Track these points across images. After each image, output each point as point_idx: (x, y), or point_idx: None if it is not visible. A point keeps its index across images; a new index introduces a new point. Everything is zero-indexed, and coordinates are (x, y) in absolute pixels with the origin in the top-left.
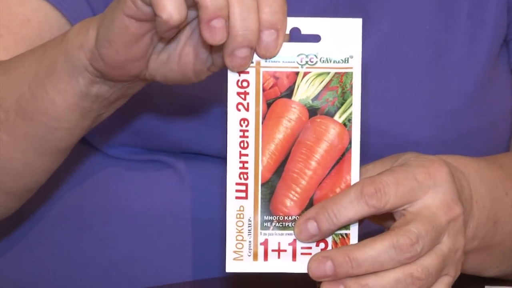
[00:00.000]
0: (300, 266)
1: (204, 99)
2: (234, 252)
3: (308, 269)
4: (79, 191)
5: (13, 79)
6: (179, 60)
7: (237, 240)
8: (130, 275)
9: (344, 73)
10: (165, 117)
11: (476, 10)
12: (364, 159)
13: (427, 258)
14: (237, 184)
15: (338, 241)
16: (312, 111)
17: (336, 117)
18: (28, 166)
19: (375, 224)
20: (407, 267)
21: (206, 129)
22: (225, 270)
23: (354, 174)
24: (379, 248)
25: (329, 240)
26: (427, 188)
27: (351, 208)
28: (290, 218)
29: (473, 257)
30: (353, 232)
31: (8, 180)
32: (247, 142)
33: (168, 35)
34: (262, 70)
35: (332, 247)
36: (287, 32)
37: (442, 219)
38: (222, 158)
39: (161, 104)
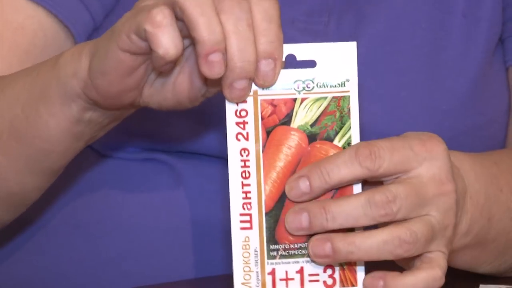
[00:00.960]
0: None
1: None
2: (242, 284)
3: (285, 221)
4: (75, 189)
5: (6, 100)
6: (174, 89)
7: (244, 271)
8: (127, 273)
9: (341, 97)
10: (161, 117)
11: (471, 8)
12: None
13: (416, 223)
14: (241, 214)
15: (345, 266)
16: (312, 137)
17: (335, 142)
18: (22, 185)
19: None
20: (395, 229)
21: (202, 128)
22: (223, 269)
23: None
24: (354, 203)
25: (337, 267)
26: (422, 159)
27: (344, 167)
28: (296, 246)
29: (467, 252)
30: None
31: (1, 198)
32: (248, 172)
33: (164, 69)
34: (260, 98)
35: (339, 273)
36: (283, 59)
37: (430, 190)
38: (218, 157)
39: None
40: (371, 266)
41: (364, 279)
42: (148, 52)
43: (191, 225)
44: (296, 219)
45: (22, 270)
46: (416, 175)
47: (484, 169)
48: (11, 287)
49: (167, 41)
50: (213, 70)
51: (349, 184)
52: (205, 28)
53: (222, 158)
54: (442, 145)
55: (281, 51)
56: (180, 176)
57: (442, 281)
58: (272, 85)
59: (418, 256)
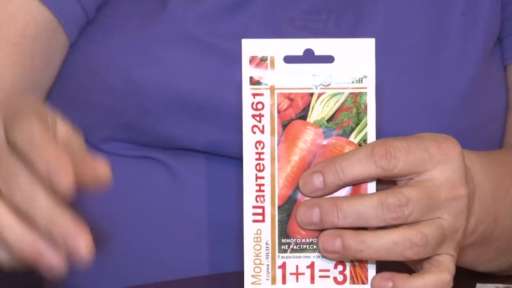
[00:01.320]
0: None
1: (197, 95)
2: (252, 276)
3: (296, 215)
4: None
5: None
6: None
7: (255, 264)
8: (120, 271)
9: (358, 93)
10: (158, 113)
11: (470, 7)
12: None
13: (427, 226)
14: (254, 207)
15: (356, 263)
16: (328, 132)
17: (351, 138)
18: None
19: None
20: (407, 231)
21: (198, 126)
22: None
23: (371, 191)
24: (367, 203)
25: (348, 263)
26: (437, 162)
27: (359, 165)
28: (308, 240)
29: (470, 251)
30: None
31: None
32: (263, 165)
33: None
34: (276, 91)
35: (350, 270)
36: (301, 53)
37: (443, 194)
38: (215, 154)
39: (154, 100)
40: (380, 264)
41: (372, 279)
42: None
43: (187, 224)
44: (307, 214)
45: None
46: (430, 178)
47: (493, 169)
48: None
49: None
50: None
51: (363, 182)
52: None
53: (218, 156)
54: (458, 148)
55: None
56: (175, 174)
57: (450, 285)
58: None
59: (427, 258)
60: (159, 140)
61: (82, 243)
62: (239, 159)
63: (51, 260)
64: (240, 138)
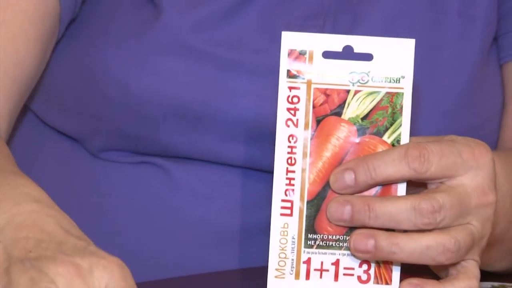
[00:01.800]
0: (342, 287)
1: (195, 105)
2: (276, 269)
3: (327, 209)
4: (70, 191)
5: None
6: None
7: (279, 257)
8: None
9: (395, 93)
10: (155, 122)
11: (467, 8)
12: None
13: (459, 232)
14: (282, 200)
15: (381, 264)
16: (361, 130)
17: (385, 138)
18: None
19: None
20: (440, 236)
21: (196, 135)
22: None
23: (401, 193)
24: (400, 206)
25: (373, 263)
26: (469, 168)
27: (392, 165)
28: (334, 237)
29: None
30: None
31: None
32: (294, 159)
33: None
34: (313, 86)
35: (375, 270)
36: (340, 50)
37: (473, 201)
38: (212, 162)
39: (151, 110)
40: (404, 266)
41: (401, 284)
42: None
43: (185, 228)
44: (339, 210)
45: None
46: (461, 184)
47: (510, 170)
48: None
49: None
50: None
51: (394, 182)
52: None
53: (216, 163)
54: (490, 154)
55: None
56: (173, 180)
57: None
58: None
59: (453, 264)
60: (157, 149)
61: None
62: (237, 167)
63: None
64: (237, 147)
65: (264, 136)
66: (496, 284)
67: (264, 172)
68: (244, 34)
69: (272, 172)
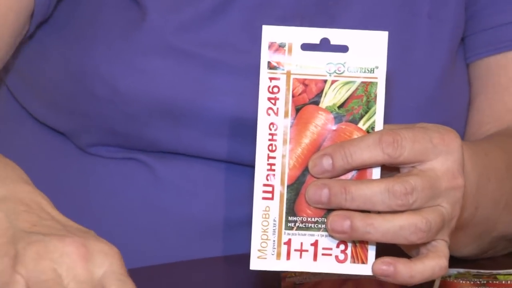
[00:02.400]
0: (320, 266)
1: (180, 102)
2: (259, 250)
3: (306, 193)
4: (56, 185)
5: None
6: None
7: (262, 239)
8: None
9: (370, 82)
10: (142, 119)
11: (436, 10)
12: None
13: (430, 213)
14: (264, 185)
15: (357, 244)
16: (338, 118)
17: (360, 125)
18: None
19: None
20: (412, 216)
21: (182, 130)
22: None
23: (376, 176)
24: (374, 188)
25: (349, 243)
26: (439, 153)
27: (367, 151)
28: (313, 219)
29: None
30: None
31: None
32: (275, 145)
33: None
34: (292, 77)
35: (351, 250)
36: (318, 42)
37: (443, 184)
38: (197, 157)
39: (138, 108)
40: (379, 246)
41: (373, 264)
42: None
43: (169, 222)
44: (317, 193)
45: None
46: (432, 168)
47: (477, 160)
48: None
49: None
50: None
51: (369, 167)
52: None
53: (200, 158)
54: (459, 140)
55: None
56: (158, 176)
57: (446, 270)
58: None
59: (424, 244)
60: (144, 144)
61: None
62: (220, 161)
63: None
64: (220, 142)
65: (246, 131)
66: (461, 270)
67: (247, 166)
68: (227, 34)
69: (255, 166)
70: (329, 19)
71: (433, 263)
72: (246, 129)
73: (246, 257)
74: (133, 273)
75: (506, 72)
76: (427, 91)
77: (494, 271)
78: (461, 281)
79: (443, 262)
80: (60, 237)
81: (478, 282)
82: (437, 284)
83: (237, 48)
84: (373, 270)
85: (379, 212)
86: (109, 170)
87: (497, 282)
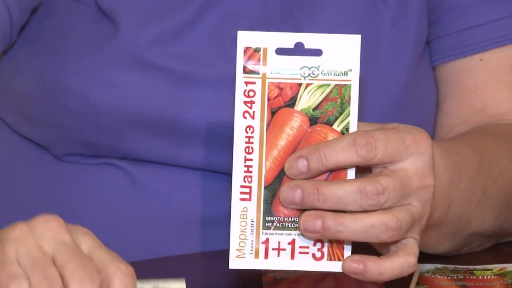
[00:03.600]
0: (297, 264)
1: (151, 114)
2: (237, 250)
3: (280, 194)
4: (36, 193)
5: None
6: None
7: (240, 239)
8: None
9: (343, 85)
10: (114, 131)
11: (399, 17)
12: None
13: (401, 212)
14: (241, 186)
15: (333, 242)
16: (313, 120)
17: (335, 126)
18: None
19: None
20: (383, 215)
21: (155, 140)
22: None
23: (350, 177)
24: (346, 189)
25: (326, 241)
26: (410, 153)
27: (341, 153)
28: (290, 219)
29: (423, 234)
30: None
31: None
32: (252, 148)
33: None
34: (267, 81)
35: (328, 248)
36: (292, 46)
37: (414, 184)
38: (171, 165)
39: (110, 120)
40: (355, 243)
41: (343, 262)
42: None
43: (146, 224)
44: (290, 194)
45: None
46: (403, 168)
47: (449, 159)
48: None
49: None
50: None
51: (344, 168)
52: None
53: (175, 166)
54: (429, 141)
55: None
56: (135, 181)
57: (415, 267)
58: None
59: (394, 241)
60: (118, 153)
61: None
62: (196, 169)
63: None
64: (193, 151)
65: (219, 140)
66: (439, 265)
67: (222, 173)
68: (195, 48)
69: (230, 174)
70: (295, 29)
71: (402, 260)
72: (218, 139)
73: (226, 252)
74: None
75: (473, 74)
76: (393, 96)
77: (471, 267)
78: (438, 277)
79: (412, 259)
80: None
81: (455, 278)
82: (414, 279)
83: (205, 61)
84: (343, 268)
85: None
86: (86, 175)
87: (474, 277)
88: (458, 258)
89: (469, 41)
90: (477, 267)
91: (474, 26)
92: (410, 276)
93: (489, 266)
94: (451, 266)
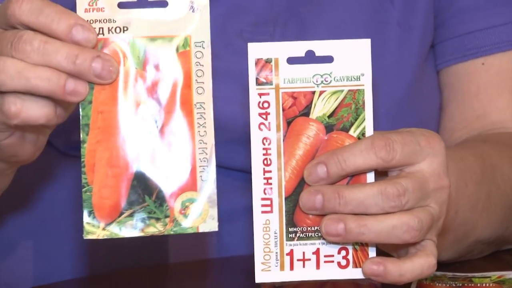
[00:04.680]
0: (323, 274)
1: None
2: (262, 263)
3: (300, 200)
4: (39, 186)
5: None
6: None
7: (264, 252)
8: (88, 261)
9: (357, 90)
10: None
11: (405, 18)
12: None
13: (421, 212)
14: (262, 199)
15: (358, 248)
16: (329, 127)
17: (351, 132)
18: None
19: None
20: (405, 216)
21: None
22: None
23: (370, 181)
24: (367, 192)
25: (350, 247)
26: (426, 155)
27: (360, 156)
28: (313, 228)
29: None
30: (372, 244)
31: None
32: (270, 160)
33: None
34: (281, 91)
35: (353, 255)
36: (303, 54)
37: (431, 185)
38: None
39: None
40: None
41: (363, 265)
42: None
43: None
44: (310, 199)
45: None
46: (419, 170)
47: (454, 165)
48: None
49: (35, 117)
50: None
51: (363, 172)
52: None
53: None
54: (442, 143)
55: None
56: None
57: (435, 268)
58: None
59: (413, 244)
60: None
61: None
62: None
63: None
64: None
65: (232, 134)
66: (438, 273)
67: (239, 171)
68: None
69: (245, 171)
70: (301, 26)
71: (422, 261)
72: (231, 133)
73: (243, 258)
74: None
75: (475, 79)
76: (397, 96)
77: (470, 274)
78: (437, 284)
79: (432, 260)
80: None
81: (454, 285)
82: (413, 287)
83: (212, 53)
84: (363, 271)
85: None
86: None
87: (472, 285)
88: (457, 265)
89: (472, 45)
90: (475, 274)
91: (477, 31)
92: (409, 283)
93: (488, 274)
94: (450, 274)
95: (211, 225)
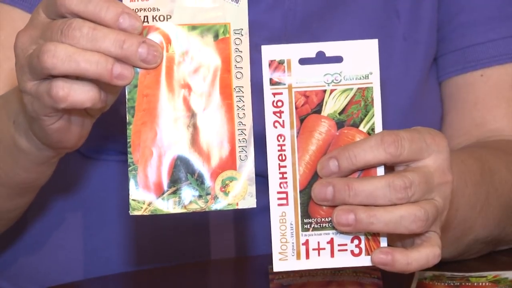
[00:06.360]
0: (338, 262)
1: None
2: (280, 253)
3: (312, 191)
4: (61, 187)
5: None
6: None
7: (281, 242)
8: (108, 259)
9: (366, 88)
10: None
11: (411, 32)
12: None
13: (427, 204)
14: (278, 192)
15: (370, 237)
16: (340, 124)
17: (361, 127)
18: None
19: None
20: (412, 207)
21: None
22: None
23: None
24: (376, 184)
25: (362, 237)
26: (431, 151)
27: (370, 152)
28: (327, 219)
29: None
30: (383, 234)
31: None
32: (284, 155)
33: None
34: (294, 90)
35: (365, 243)
36: (314, 55)
37: (435, 180)
38: None
39: None
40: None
41: (372, 254)
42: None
43: (167, 219)
44: (322, 191)
45: (20, 266)
46: (425, 165)
47: (455, 166)
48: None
49: (82, 101)
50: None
51: (373, 167)
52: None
53: None
54: (446, 140)
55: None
56: None
57: (439, 258)
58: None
59: (418, 235)
60: None
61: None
62: None
63: (123, 71)
64: None
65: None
66: (437, 273)
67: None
68: None
69: (256, 174)
70: (313, 40)
71: (428, 251)
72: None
73: (234, 260)
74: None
75: (474, 89)
76: (401, 106)
77: (467, 274)
78: (436, 283)
79: (437, 250)
80: None
81: (452, 284)
82: (413, 286)
83: None
84: (372, 260)
85: None
86: (110, 172)
87: (469, 284)
88: (455, 265)
89: (471, 57)
90: (472, 274)
91: (476, 44)
92: (410, 282)
93: (484, 273)
94: (448, 273)
95: (249, 202)
